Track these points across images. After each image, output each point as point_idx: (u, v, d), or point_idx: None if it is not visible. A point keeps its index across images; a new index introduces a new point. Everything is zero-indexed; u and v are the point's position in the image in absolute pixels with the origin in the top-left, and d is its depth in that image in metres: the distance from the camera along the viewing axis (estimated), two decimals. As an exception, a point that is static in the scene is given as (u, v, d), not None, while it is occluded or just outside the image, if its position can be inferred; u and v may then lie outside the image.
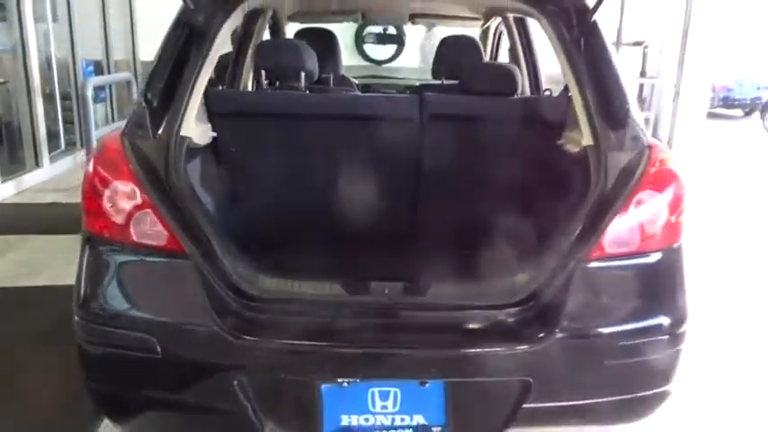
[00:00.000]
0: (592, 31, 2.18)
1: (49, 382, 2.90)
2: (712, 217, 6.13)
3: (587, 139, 2.10)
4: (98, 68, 8.88)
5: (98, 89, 7.28)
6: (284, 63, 2.76)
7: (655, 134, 8.89)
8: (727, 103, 17.03)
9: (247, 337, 1.87)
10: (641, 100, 10.80)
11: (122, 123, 2.09)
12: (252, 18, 3.47)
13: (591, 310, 1.97)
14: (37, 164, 6.97)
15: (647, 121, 9.85)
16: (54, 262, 4.42)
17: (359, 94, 3.37)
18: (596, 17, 2.17)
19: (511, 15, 3.93)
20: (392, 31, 6.87)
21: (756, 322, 3.90)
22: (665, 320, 2.00)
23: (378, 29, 7.57)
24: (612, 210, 1.95)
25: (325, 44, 3.61)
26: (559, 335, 1.90)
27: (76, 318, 1.98)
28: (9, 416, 2.71)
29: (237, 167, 2.51)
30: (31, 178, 6.76)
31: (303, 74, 2.73)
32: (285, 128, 2.52)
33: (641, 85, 11.02)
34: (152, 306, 1.96)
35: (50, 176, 7.06)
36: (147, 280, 2.00)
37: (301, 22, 4.58)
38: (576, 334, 1.94)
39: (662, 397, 2.08)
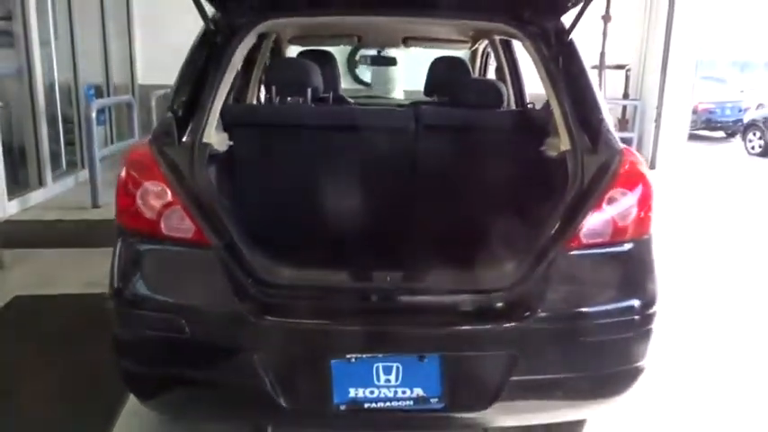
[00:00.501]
0: (568, 50, 2.45)
1: (71, 373, 3.14)
2: (691, 228, 6.43)
3: (565, 144, 2.33)
4: (98, 92, 9.12)
5: (98, 112, 7.50)
6: (294, 79, 3.03)
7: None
8: (710, 124, 17.19)
9: (266, 317, 2.09)
10: (624, 121, 11.12)
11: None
12: (258, 40, 3.72)
13: (570, 293, 2.21)
14: (40, 183, 7.16)
15: (629, 141, 10.15)
16: (62, 273, 4.64)
17: (361, 107, 3.63)
18: (572, 37, 2.44)
19: (497, 38, 4.18)
20: (384, 53, 7.12)
21: (734, 317, 4.24)
22: (636, 302, 2.22)
23: (371, 51, 7.83)
24: (588, 206, 2.19)
25: (325, 65, 3.86)
26: (542, 314, 2.13)
27: (111, 304, 2.19)
28: (38, 400, 2.96)
29: (252, 172, 2.74)
30: (36, 196, 6.95)
31: (309, 90, 3.00)
32: (295, 137, 2.75)
33: (624, 107, 11.33)
34: (181, 291, 2.17)
35: (53, 195, 7.26)
36: (176, 268, 2.21)
37: (301, 45, 4.85)
38: (556, 313, 2.16)
39: (636, 373, 2.28)
